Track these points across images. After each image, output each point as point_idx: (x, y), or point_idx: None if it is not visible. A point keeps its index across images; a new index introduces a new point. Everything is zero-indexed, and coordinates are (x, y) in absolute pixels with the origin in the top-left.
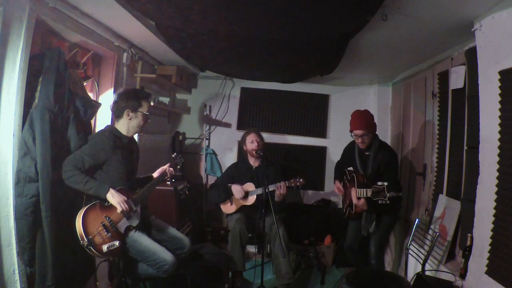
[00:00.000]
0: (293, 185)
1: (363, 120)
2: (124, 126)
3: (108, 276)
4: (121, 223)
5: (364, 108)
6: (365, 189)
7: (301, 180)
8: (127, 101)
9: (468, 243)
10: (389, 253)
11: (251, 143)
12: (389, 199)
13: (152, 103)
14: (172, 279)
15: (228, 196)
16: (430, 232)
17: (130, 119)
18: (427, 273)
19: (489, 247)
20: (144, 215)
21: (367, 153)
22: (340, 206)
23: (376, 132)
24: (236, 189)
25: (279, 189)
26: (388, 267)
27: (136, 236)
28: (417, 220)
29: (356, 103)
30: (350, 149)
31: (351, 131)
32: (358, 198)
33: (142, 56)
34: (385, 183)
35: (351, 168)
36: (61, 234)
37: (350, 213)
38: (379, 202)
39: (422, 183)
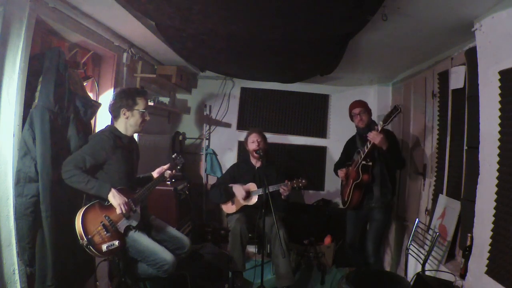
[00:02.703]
0: (295, 185)
1: (358, 102)
2: (122, 125)
3: (108, 276)
4: (120, 223)
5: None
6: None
7: (303, 181)
8: (122, 100)
9: (468, 243)
10: (389, 253)
11: (252, 143)
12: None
13: (151, 103)
14: (172, 279)
15: (229, 197)
16: (430, 232)
17: (127, 118)
18: (427, 273)
19: (489, 247)
20: (144, 215)
21: (367, 137)
22: (340, 206)
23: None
24: (238, 190)
25: (284, 191)
26: (388, 267)
27: (136, 236)
28: (417, 220)
29: None
30: (350, 141)
31: (350, 113)
32: (378, 132)
33: (142, 56)
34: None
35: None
36: (61, 234)
37: (355, 190)
38: (391, 121)
39: (422, 183)
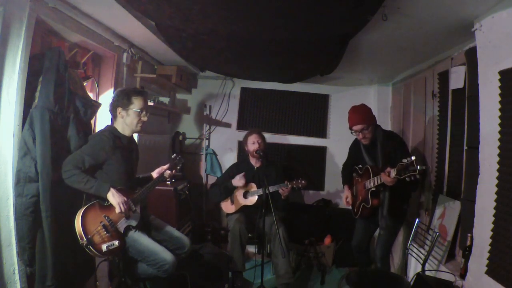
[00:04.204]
0: (295, 186)
1: (359, 114)
2: (120, 125)
3: (108, 276)
4: (120, 223)
5: None
6: (389, 170)
7: (303, 181)
8: (118, 99)
9: (468, 243)
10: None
11: (252, 144)
12: (419, 174)
13: (151, 103)
14: (172, 279)
15: (228, 193)
16: (430, 232)
17: (122, 117)
18: (427, 273)
19: (489, 247)
20: (143, 215)
21: (373, 146)
22: (341, 206)
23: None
24: (236, 179)
25: (283, 191)
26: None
27: (136, 236)
28: (417, 220)
29: (356, 103)
30: (356, 146)
31: (350, 128)
32: (390, 176)
33: (142, 56)
34: (413, 157)
35: (361, 166)
36: (61, 234)
37: (364, 210)
38: (407, 179)
39: (422, 183)
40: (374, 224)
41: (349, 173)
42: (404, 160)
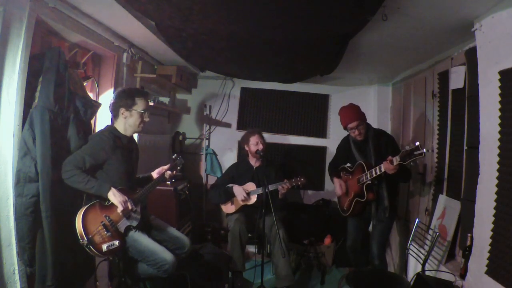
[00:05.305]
0: (294, 184)
1: (352, 112)
2: (122, 125)
3: (108, 276)
4: (121, 223)
5: (363, 108)
6: (391, 159)
7: (302, 179)
8: (121, 99)
9: (468, 243)
10: (389, 253)
11: (255, 145)
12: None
13: (151, 103)
14: (172, 279)
15: (229, 197)
16: (430, 232)
17: (125, 117)
18: (427, 273)
19: (489, 247)
20: (144, 215)
21: (364, 143)
22: None
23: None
24: (238, 191)
25: (282, 189)
26: (388, 267)
27: (136, 236)
28: (417, 220)
29: (356, 103)
30: (345, 145)
31: (345, 127)
32: (392, 163)
33: (142, 56)
34: (417, 143)
35: (349, 164)
36: (61, 234)
37: (357, 205)
38: (411, 164)
39: (422, 183)
40: (364, 221)
41: (337, 170)
42: (407, 147)
